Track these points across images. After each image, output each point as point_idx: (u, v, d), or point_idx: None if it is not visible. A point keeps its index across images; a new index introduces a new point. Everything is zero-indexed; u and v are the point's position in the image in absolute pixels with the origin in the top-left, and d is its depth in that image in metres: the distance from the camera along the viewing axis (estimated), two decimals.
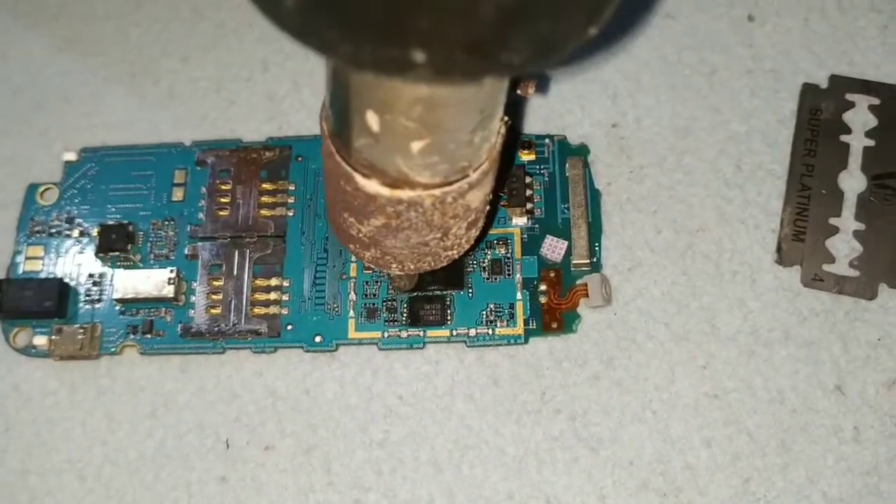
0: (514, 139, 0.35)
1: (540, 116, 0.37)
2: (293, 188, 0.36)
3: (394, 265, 0.29)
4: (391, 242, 0.27)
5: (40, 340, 0.35)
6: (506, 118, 0.25)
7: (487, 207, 0.28)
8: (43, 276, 0.36)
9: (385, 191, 0.24)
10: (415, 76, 0.17)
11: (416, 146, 0.22)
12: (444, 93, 0.20)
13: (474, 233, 0.29)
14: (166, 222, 0.36)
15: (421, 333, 0.34)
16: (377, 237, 0.27)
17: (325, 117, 0.25)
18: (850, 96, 0.36)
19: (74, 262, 0.36)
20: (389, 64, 0.17)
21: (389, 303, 0.34)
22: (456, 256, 0.29)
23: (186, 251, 0.35)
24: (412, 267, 0.29)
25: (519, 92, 0.25)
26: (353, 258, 0.35)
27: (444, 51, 0.17)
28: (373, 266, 0.29)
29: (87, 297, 0.35)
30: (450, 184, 0.24)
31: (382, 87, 0.20)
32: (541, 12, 0.16)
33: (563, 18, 0.17)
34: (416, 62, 0.17)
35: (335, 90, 0.23)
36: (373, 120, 0.22)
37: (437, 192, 0.24)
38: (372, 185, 0.24)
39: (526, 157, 0.36)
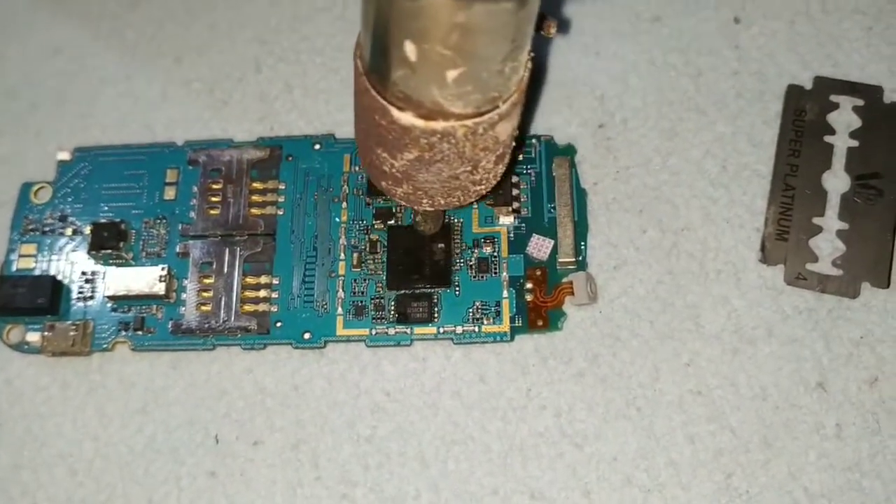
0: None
1: (527, 117, 0.37)
2: (283, 187, 0.36)
3: (425, 200, 0.29)
4: (423, 176, 0.28)
5: (33, 337, 0.35)
6: (532, 53, 0.26)
7: (513, 143, 0.29)
8: (36, 273, 0.36)
9: (420, 122, 0.25)
10: None
11: (452, 75, 0.23)
12: (479, 20, 0.22)
13: (501, 168, 0.29)
14: (158, 221, 0.36)
15: (408, 331, 0.34)
16: (410, 171, 0.27)
17: (360, 55, 0.26)
18: (834, 97, 0.36)
19: (67, 259, 0.36)
20: None
21: (377, 300, 0.34)
22: (483, 192, 0.30)
23: (178, 249, 0.36)
24: (442, 202, 0.30)
25: (542, 32, 0.26)
26: (342, 256, 0.35)
27: None
28: (404, 203, 0.30)
29: (80, 295, 0.36)
30: (481, 114, 0.25)
31: (421, 15, 0.21)
32: None
33: None
34: None
35: (374, 23, 0.24)
36: (410, 49, 0.23)
37: (469, 122, 0.25)
38: (407, 117, 0.25)
39: None
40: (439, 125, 0.25)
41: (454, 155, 0.26)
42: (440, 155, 0.26)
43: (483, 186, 0.30)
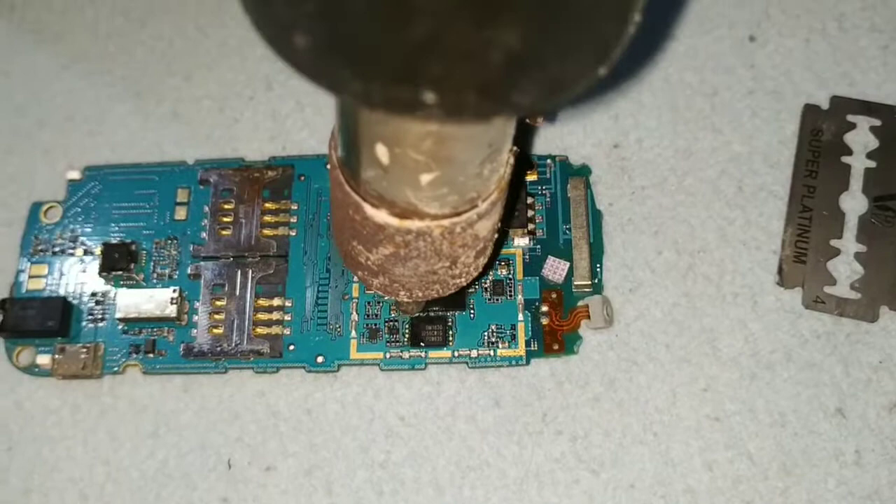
0: (521, 166, 0.35)
1: (542, 137, 0.37)
2: (296, 208, 0.36)
3: (402, 292, 0.29)
4: (400, 270, 0.27)
5: (43, 359, 0.35)
6: (514, 148, 0.25)
7: (496, 236, 0.28)
8: (46, 294, 0.36)
9: (394, 221, 0.24)
10: (425, 116, 0.17)
11: (426, 178, 0.22)
12: (453, 128, 0.21)
13: (483, 260, 0.29)
14: (169, 241, 0.36)
15: (423, 354, 0.34)
16: (386, 265, 0.27)
17: (335, 147, 0.25)
18: (851, 117, 0.36)
19: (78, 280, 0.36)
20: (400, 104, 0.17)
21: (391, 323, 0.34)
22: (464, 284, 0.29)
23: (189, 270, 0.36)
24: (420, 294, 0.29)
25: (528, 121, 0.25)
26: (356, 279, 0.35)
27: (455, 92, 0.17)
28: (381, 293, 0.29)
29: (90, 316, 0.35)
30: (459, 214, 0.24)
31: (392, 121, 0.20)
32: (550, 55, 0.17)
33: (571, 60, 0.17)
34: (427, 103, 0.17)
35: (344, 122, 0.23)
36: (382, 153, 0.22)
37: (445, 222, 0.24)
38: (381, 216, 0.24)
39: (528, 177, 0.36)
40: (414, 224, 0.24)
41: (431, 252, 0.25)
42: (416, 252, 0.25)
43: (462, 279, 0.29)
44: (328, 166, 0.26)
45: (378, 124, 0.21)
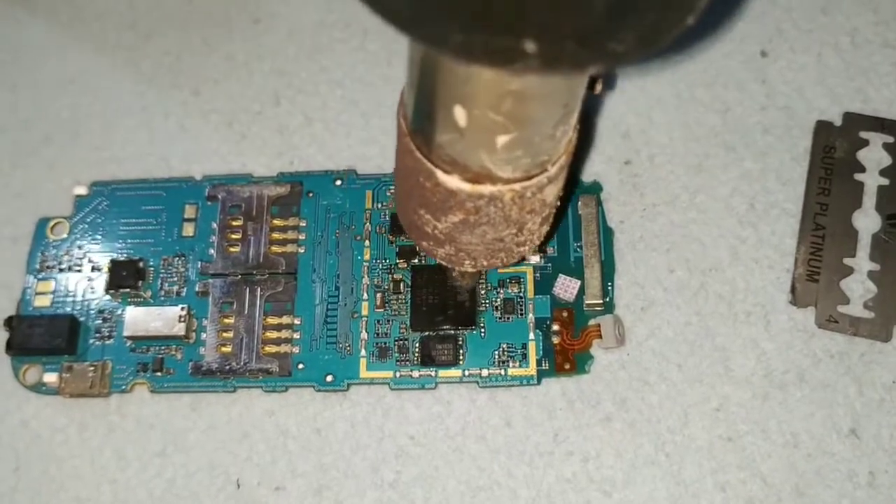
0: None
1: None
2: (304, 225, 0.36)
3: (467, 262, 0.29)
4: (467, 238, 0.27)
5: (50, 378, 0.35)
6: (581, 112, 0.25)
7: (559, 203, 0.28)
8: (53, 311, 0.35)
9: (466, 186, 0.24)
10: (524, 67, 0.17)
11: (502, 140, 0.22)
12: (534, 86, 0.21)
13: (546, 228, 0.29)
14: (177, 258, 0.36)
15: (433, 373, 0.33)
16: (453, 233, 0.27)
17: (403, 114, 0.25)
18: (864, 134, 0.36)
19: (85, 297, 0.36)
20: (500, 55, 0.17)
21: (401, 342, 0.34)
22: (527, 253, 0.29)
23: (197, 288, 0.35)
24: (485, 263, 0.29)
25: (590, 91, 0.25)
26: (365, 296, 0.34)
27: (556, 41, 0.17)
28: (445, 263, 0.29)
29: (98, 334, 0.35)
30: (530, 178, 0.24)
31: (473, 80, 0.20)
32: (649, 3, 0.17)
33: (667, 8, 0.18)
34: (528, 52, 0.17)
35: (420, 85, 0.23)
36: (460, 115, 0.22)
37: (517, 186, 0.24)
38: (453, 181, 0.24)
39: None
40: (486, 189, 0.24)
41: (500, 218, 0.25)
42: (486, 218, 0.25)
43: (527, 247, 0.29)
44: (397, 133, 0.26)
45: (458, 84, 0.21)
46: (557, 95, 0.22)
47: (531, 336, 0.33)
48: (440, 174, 0.24)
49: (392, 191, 0.36)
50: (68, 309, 0.35)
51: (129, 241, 0.36)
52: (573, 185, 0.35)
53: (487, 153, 0.23)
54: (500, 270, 0.34)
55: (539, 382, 0.33)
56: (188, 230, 0.36)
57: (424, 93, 0.23)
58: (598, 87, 0.25)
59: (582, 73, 0.21)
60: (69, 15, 0.41)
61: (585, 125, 0.37)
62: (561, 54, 0.17)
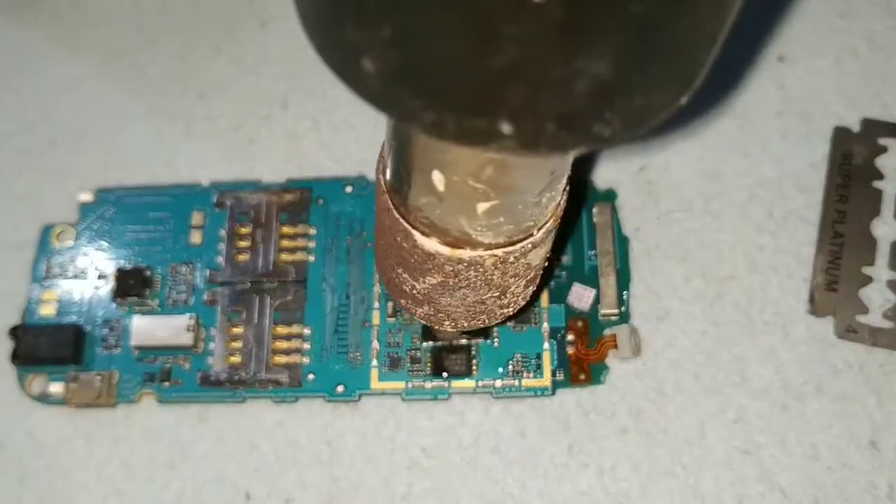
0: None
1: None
2: (314, 232, 0.35)
3: (447, 322, 0.28)
4: (447, 300, 0.26)
5: (56, 388, 0.34)
6: (570, 176, 0.24)
7: (546, 264, 0.27)
8: (58, 320, 0.35)
9: (445, 250, 0.23)
10: (498, 147, 0.16)
11: (483, 207, 0.21)
12: (517, 157, 0.20)
13: (531, 290, 0.28)
14: (184, 266, 0.35)
15: (446, 384, 0.33)
16: (432, 294, 0.26)
17: (382, 171, 0.24)
18: (882, 140, 0.35)
19: (91, 306, 0.35)
20: (474, 135, 0.16)
21: (413, 352, 0.33)
22: (511, 314, 0.28)
23: (205, 297, 0.35)
24: (465, 324, 0.28)
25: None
26: (376, 305, 0.34)
27: (534, 123, 0.16)
28: (424, 322, 0.29)
29: (104, 344, 0.34)
30: (513, 244, 0.24)
31: (452, 149, 0.19)
32: (638, 85, 0.16)
33: (658, 90, 0.16)
34: (503, 133, 0.16)
35: (398, 148, 0.22)
36: (438, 180, 0.21)
37: (499, 252, 0.23)
38: (431, 244, 0.23)
39: None
40: (466, 254, 0.23)
41: (481, 282, 0.24)
42: (466, 282, 0.24)
43: (510, 309, 0.28)
44: (376, 191, 0.25)
45: (436, 151, 0.20)
46: (543, 165, 0.21)
47: (545, 346, 0.33)
48: (418, 236, 0.23)
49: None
50: (74, 318, 0.35)
51: (136, 248, 0.36)
52: (584, 197, 0.35)
53: (467, 219, 0.22)
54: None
55: (554, 393, 0.33)
56: (196, 237, 0.36)
57: (402, 156, 0.22)
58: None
59: (563, 155, 0.20)
60: (74, 19, 0.41)
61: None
62: (540, 136, 0.16)
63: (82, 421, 0.34)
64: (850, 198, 0.34)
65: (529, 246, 0.24)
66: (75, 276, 0.36)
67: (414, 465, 0.33)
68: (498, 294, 0.26)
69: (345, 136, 0.38)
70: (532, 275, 0.26)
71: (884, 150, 0.35)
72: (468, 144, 0.16)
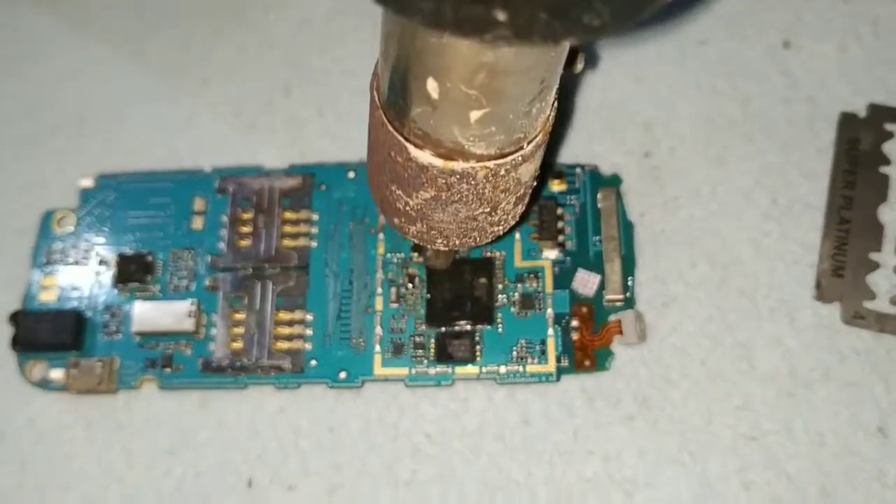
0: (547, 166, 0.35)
1: (570, 145, 0.36)
2: (316, 218, 0.35)
3: (439, 240, 0.28)
4: (439, 216, 0.26)
5: (57, 374, 0.34)
6: (558, 90, 0.25)
7: (535, 183, 0.28)
8: (59, 306, 0.35)
9: (438, 162, 0.24)
10: (493, 37, 0.17)
11: (475, 115, 0.22)
12: (508, 60, 0.20)
13: (521, 209, 0.28)
14: (186, 252, 0.35)
15: (449, 370, 0.33)
16: (425, 210, 0.26)
17: (377, 87, 0.24)
18: (889, 126, 0.35)
19: (92, 292, 0.35)
20: (470, 23, 0.17)
21: (417, 338, 0.33)
22: (501, 233, 0.29)
23: (207, 282, 0.34)
24: (457, 242, 0.28)
25: (570, 68, 0.25)
26: (379, 291, 0.34)
27: (528, 11, 0.16)
28: (417, 241, 0.29)
29: (105, 330, 0.34)
30: (504, 156, 0.24)
31: (446, 52, 0.20)
32: None
33: None
34: (498, 20, 0.16)
35: (394, 57, 0.22)
36: (433, 87, 0.21)
37: (490, 164, 0.24)
38: (425, 156, 0.24)
39: (557, 187, 0.35)
40: (458, 166, 0.24)
41: (473, 196, 0.25)
42: (458, 195, 0.25)
43: (501, 227, 0.28)
44: (370, 107, 0.25)
45: (431, 55, 0.20)
46: (533, 70, 0.21)
47: (550, 332, 0.33)
48: (412, 149, 0.24)
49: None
50: (75, 304, 0.35)
51: (137, 234, 0.36)
52: (597, 182, 0.35)
53: (460, 128, 0.22)
54: (517, 265, 0.34)
55: (558, 379, 0.32)
56: (197, 223, 0.35)
57: (397, 65, 0.22)
58: (579, 66, 0.25)
59: (555, 45, 0.21)
60: (76, 5, 0.41)
61: (604, 115, 0.36)
62: (533, 25, 0.17)
63: (83, 407, 0.34)
64: (856, 183, 0.34)
65: (520, 159, 0.24)
66: (76, 262, 0.35)
67: (417, 451, 0.32)
68: (489, 210, 0.26)
69: (348, 122, 0.38)
70: (521, 192, 0.27)
71: (890, 135, 0.35)
72: (465, 34, 0.17)
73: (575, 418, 0.32)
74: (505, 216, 0.27)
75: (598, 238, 0.34)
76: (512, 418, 0.32)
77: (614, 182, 0.35)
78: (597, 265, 0.33)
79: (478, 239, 0.28)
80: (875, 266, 0.33)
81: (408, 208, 0.26)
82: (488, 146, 0.23)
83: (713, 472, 0.31)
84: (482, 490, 0.32)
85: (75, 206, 0.36)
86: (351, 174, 0.36)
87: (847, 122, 0.35)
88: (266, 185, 0.36)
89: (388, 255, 0.34)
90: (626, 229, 0.34)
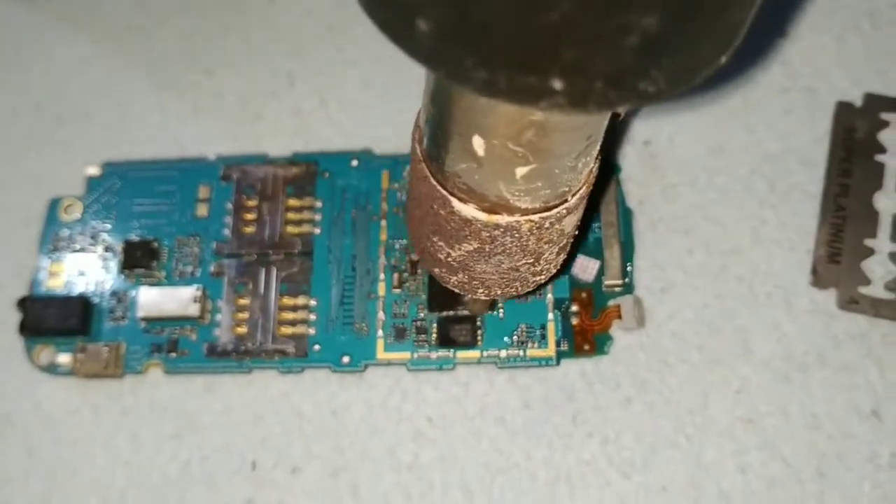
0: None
1: None
2: (320, 205, 0.35)
3: (480, 290, 0.28)
4: (482, 267, 0.26)
5: (64, 358, 0.34)
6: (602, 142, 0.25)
7: (577, 232, 0.28)
8: (66, 292, 0.35)
9: (482, 216, 0.23)
10: (549, 105, 0.17)
11: (521, 171, 0.22)
12: (557, 119, 0.20)
13: (563, 257, 0.28)
14: (191, 238, 0.36)
15: (451, 354, 0.33)
16: (467, 262, 0.26)
17: (419, 139, 0.24)
18: (884, 115, 0.35)
19: (98, 278, 0.35)
20: (525, 93, 0.16)
21: (419, 323, 0.33)
22: (543, 281, 0.29)
23: (211, 268, 0.35)
24: (499, 292, 0.28)
25: (613, 118, 0.25)
26: (382, 276, 0.34)
27: (585, 81, 0.16)
28: (458, 290, 0.29)
29: (111, 315, 0.35)
30: (549, 209, 0.24)
31: (494, 112, 0.20)
32: (683, 41, 0.16)
33: (701, 48, 0.17)
34: (554, 90, 0.16)
35: (438, 113, 0.22)
36: (478, 145, 0.21)
37: (535, 217, 0.24)
38: (469, 210, 0.23)
39: None
40: (503, 219, 0.23)
41: (516, 248, 0.25)
42: (501, 248, 0.25)
43: (543, 276, 0.28)
44: (411, 159, 0.25)
45: (478, 115, 0.20)
46: (581, 128, 0.21)
47: (550, 317, 0.33)
48: (456, 202, 0.23)
49: (406, 176, 0.35)
50: (81, 290, 0.35)
51: (143, 221, 0.36)
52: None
53: (505, 184, 0.22)
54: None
55: (558, 363, 0.33)
56: (202, 210, 0.36)
57: (442, 121, 0.22)
58: (622, 112, 0.25)
59: (610, 111, 0.20)
60: None
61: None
62: (589, 93, 0.16)
63: (90, 392, 0.34)
64: (852, 171, 0.35)
65: (564, 211, 0.24)
66: (83, 249, 0.36)
67: (419, 435, 0.33)
68: (532, 261, 0.26)
69: (352, 112, 0.38)
70: (564, 242, 0.27)
71: (886, 124, 0.35)
72: (520, 102, 0.17)
73: (574, 402, 0.33)
74: (548, 266, 0.27)
75: (597, 225, 0.34)
76: (512, 402, 0.33)
77: (614, 170, 0.35)
78: (596, 251, 0.34)
79: (519, 288, 0.28)
80: (870, 252, 0.34)
81: (450, 259, 0.26)
82: (533, 200, 0.23)
83: (710, 455, 0.32)
84: (483, 472, 0.32)
85: (82, 193, 0.37)
86: (354, 162, 0.36)
87: (844, 111, 0.36)
88: (270, 172, 0.36)
89: (391, 242, 0.35)
90: (626, 216, 0.34)
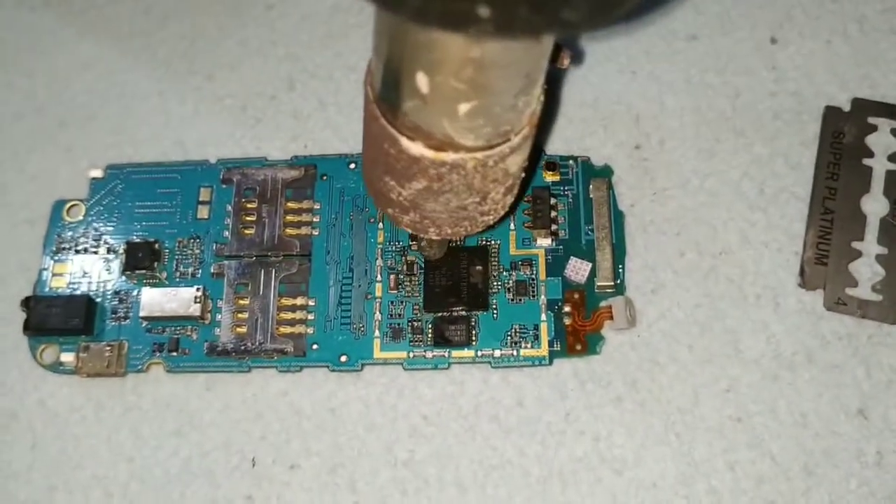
0: (536, 157, 0.36)
1: (563, 138, 0.37)
2: (318, 207, 0.36)
3: (432, 229, 0.29)
4: (431, 206, 0.27)
5: (67, 357, 0.35)
6: (545, 85, 0.26)
7: (523, 174, 0.29)
8: (69, 292, 0.36)
9: (429, 153, 0.25)
10: (477, 30, 0.18)
11: (464, 108, 0.23)
12: (494, 54, 0.21)
13: (510, 199, 0.29)
14: (192, 240, 0.36)
15: (446, 354, 0.34)
16: (417, 200, 0.27)
17: (371, 82, 0.26)
18: (872, 119, 0.36)
19: (101, 279, 0.36)
20: (454, 18, 0.18)
21: (415, 323, 0.34)
22: (491, 222, 0.30)
23: (212, 269, 0.36)
24: (449, 231, 0.29)
25: (556, 64, 0.26)
26: (379, 278, 0.35)
27: (510, 7, 0.17)
28: (410, 230, 0.30)
29: (114, 315, 0.35)
30: (492, 147, 0.25)
31: (435, 47, 0.21)
32: None
33: None
34: (481, 16, 0.17)
35: (386, 53, 0.23)
36: (423, 82, 0.22)
37: (479, 155, 0.25)
38: (416, 148, 0.25)
39: (550, 178, 0.36)
40: (449, 157, 0.25)
41: (463, 186, 0.26)
42: (449, 185, 0.26)
43: (491, 217, 0.29)
44: (364, 102, 0.26)
45: (421, 51, 0.22)
46: (518, 65, 0.23)
47: (543, 317, 0.34)
48: (404, 141, 0.25)
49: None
50: (84, 290, 0.36)
51: (145, 223, 0.37)
52: (589, 174, 0.36)
53: (449, 121, 0.24)
54: (512, 253, 0.35)
55: (551, 363, 0.34)
56: (203, 213, 0.37)
57: (389, 61, 0.23)
58: (565, 62, 0.26)
59: (535, 38, 0.22)
60: (84, 1, 0.42)
61: (597, 109, 0.37)
62: (514, 19, 0.18)
63: (93, 390, 0.35)
64: (840, 175, 0.35)
65: (507, 150, 0.25)
66: (86, 250, 0.37)
67: (415, 432, 0.34)
68: (479, 199, 0.27)
69: (350, 116, 0.39)
70: (510, 182, 0.28)
71: (873, 128, 0.36)
72: (449, 28, 0.18)
73: (567, 400, 0.33)
74: (495, 206, 0.29)
75: (589, 227, 0.35)
76: (506, 400, 0.34)
77: (606, 173, 0.36)
78: (588, 253, 0.35)
79: (469, 228, 0.29)
80: (857, 254, 0.34)
81: (401, 198, 0.27)
82: (477, 138, 0.25)
83: (699, 452, 0.32)
84: (477, 469, 0.33)
85: (85, 195, 0.38)
86: (352, 165, 0.37)
87: (832, 115, 0.36)
88: (270, 175, 0.37)
89: (388, 244, 0.35)
90: (617, 219, 0.35)
